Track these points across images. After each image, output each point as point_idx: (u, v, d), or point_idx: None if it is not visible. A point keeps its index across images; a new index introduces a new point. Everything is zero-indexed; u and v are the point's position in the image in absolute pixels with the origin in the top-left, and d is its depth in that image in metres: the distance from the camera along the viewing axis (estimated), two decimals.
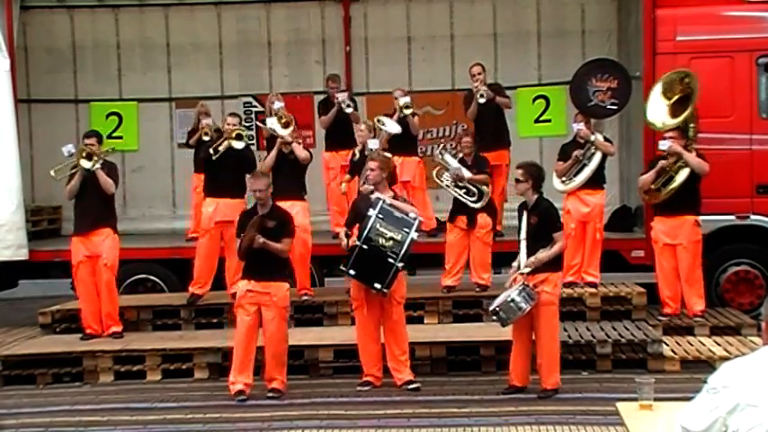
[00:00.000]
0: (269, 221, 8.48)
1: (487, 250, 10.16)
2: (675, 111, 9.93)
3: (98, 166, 9.70)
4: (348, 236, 8.49)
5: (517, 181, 8.30)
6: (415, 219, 8.45)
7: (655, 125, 10.08)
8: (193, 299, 10.36)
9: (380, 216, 8.29)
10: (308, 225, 10.39)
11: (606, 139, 10.49)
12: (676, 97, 9.99)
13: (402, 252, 8.23)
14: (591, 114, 10.61)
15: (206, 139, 10.75)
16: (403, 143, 10.74)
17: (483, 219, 10.09)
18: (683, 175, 9.65)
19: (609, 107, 10.73)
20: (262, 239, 8.34)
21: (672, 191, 9.68)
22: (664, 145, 9.66)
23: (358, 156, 10.37)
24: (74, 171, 9.83)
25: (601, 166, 10.30)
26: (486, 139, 10.80)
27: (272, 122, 10.30)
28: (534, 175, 8.31)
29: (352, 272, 8.35)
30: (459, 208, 10.14)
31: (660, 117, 10.04)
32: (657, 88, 10.11)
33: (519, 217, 8.35)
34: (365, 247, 8.22)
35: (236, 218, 8.92)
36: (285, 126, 10.10)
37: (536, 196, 8.28)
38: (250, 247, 8.37)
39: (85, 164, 9.68)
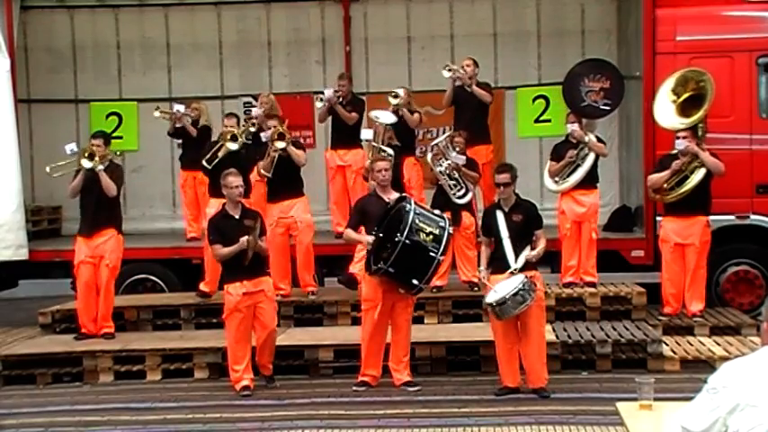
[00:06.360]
0: (253, 222, 8.61)
1: (473, 249, 10.18)
2: (685, 110, 9.88)
3: (101, 167, 9.67)
4: (376, 235, 8.38)
5: (506, 185, 8.32)
6: (441, 215, 8.50)
7: (673, 126, 9.92)
8: (203, 296, 10.39)
9: (417, 212, 8.25)
10: (311, 220, 10.43)
11: (599, 140, 10.48)
12: (686, 96, 9.94)
13: (443, 246, 8.22)
14: (584, 115, 10.60)
15: (178, 126, 11.15)
16: (401, 142, 10.64)
17: (468, 218, 10.17)
18: (699, 175, 9.59)
19: (602, 107, 10.71)
20: (256, 241, 8.49)
21: (687, 191, 9.62)
22: (680, 145, 9.59)
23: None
24: (78, 168, 9.81)
25: (594, 166, 10.30)
26: (465, 133, 10.58)
27: (265, 137, 10.33)
28: (516, 175, 8.47)
29: (391, 269, 8.16)
30: (444, 207, 10.10)
31: (670, 116, 9.98)
32: (667, 85, 10.04)
33: (492, 218, 8.35)
34: (408, 242, 8.08)
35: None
36: (280, 139, 10.09)
37: (515, 196, 8.42)
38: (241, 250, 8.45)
39: (86, 163, 9.65)
